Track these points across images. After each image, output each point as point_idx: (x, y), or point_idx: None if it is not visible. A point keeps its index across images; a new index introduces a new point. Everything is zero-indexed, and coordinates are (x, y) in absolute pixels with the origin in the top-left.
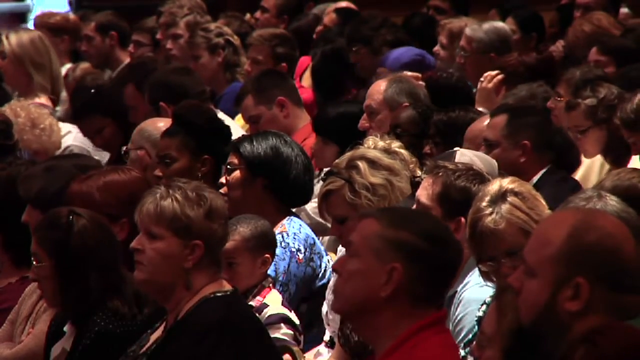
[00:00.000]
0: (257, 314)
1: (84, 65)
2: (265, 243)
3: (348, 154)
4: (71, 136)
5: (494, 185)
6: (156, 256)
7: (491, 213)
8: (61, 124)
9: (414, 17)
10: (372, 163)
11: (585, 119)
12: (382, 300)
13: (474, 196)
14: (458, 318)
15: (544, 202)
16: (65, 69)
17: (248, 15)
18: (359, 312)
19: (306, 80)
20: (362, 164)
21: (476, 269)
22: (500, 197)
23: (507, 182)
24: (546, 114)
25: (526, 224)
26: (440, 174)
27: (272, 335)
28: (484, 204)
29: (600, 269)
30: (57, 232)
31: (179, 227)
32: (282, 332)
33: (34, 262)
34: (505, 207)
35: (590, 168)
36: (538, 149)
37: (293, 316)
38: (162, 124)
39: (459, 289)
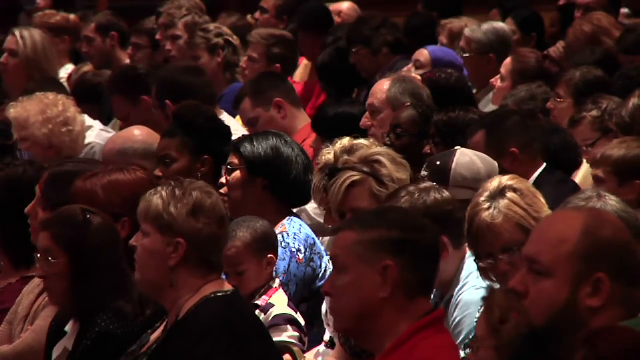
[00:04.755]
0: (262, 314)
1: (87, 67)
2: (267, 244)
3: (356, 153)
4: (93, 132)
5: (494, 182)
6: (143, 252)
7: (488, 208)
8: (85, 118)
9: (414, 17)
10: (393, 159)
11: (592, 131)
12: (380, 301)
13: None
14: (456, 320)
15: (543, 200)
16: (65, 69)
17: (249, 17)
18: (359, 323)
19: (297, 77)
20: (383, 159)
21: (473, 271)
22: (499, 192)
23: (506, 179)
24: (521, 112)
25: (523, 220)
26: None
27: (277, 338)
28: (482, 199)
29: (618, 263)
30: (74, 229)
31: (162, 224)
32: (288, 335)
33: (48, 259)
34: (503, 202)
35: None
36: (525, 150)
37: (298, 317)
38: (138, 131)
39: (455, 291)
